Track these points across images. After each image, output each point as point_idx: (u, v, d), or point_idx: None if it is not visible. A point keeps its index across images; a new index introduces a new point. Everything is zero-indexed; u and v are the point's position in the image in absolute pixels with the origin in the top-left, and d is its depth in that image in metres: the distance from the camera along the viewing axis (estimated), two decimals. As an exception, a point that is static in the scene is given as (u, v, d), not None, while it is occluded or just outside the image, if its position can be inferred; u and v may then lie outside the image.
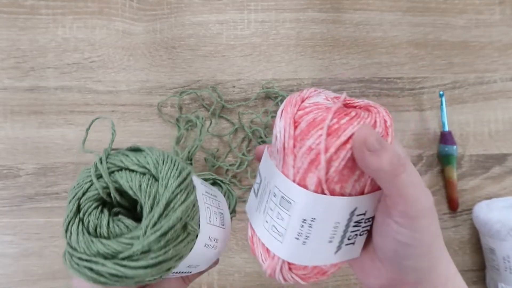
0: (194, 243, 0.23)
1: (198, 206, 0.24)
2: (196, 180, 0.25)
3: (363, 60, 0.52)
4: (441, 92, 0.50)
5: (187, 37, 0.51)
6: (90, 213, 0.22)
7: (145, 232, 0.20)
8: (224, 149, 0.51)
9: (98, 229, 0.22)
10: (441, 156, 0.51)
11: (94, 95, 0.50)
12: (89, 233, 0.22)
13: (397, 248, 0.22)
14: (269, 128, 0.51)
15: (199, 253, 0.24)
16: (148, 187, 0.22)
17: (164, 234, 0.20)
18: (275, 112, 0.51)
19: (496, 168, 0.52)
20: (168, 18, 0.51)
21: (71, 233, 0.21)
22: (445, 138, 0.50)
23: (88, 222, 0.22)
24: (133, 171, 0.23)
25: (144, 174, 0.23)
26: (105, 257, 0.20)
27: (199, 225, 0.24)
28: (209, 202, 0.26)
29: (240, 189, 0.50)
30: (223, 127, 0.51)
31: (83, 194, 0.23)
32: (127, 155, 0.23)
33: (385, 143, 0.20)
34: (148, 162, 0.23)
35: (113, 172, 0.23)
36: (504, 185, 0.52)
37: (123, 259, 0.20)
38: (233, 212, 0.31)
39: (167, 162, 0.23)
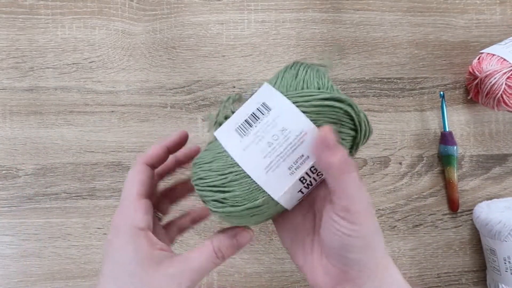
0: None
1: None
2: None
3: (363, 60, 0.51)
4: (442, 93, 0.50)
5: (187, 37, 0.51)
6: None
7: None
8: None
9: None
10: (441, 157, 0.51)
11: (94, 96, 0.50)
12: None
13: (341, 241, 0.24)
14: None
15: None
16: None
17: None
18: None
19: (497, 169, 0.52)
20: (168, 18, 0.51)
21: None
22: (445, 138, 0.50)
23: None
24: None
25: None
26: None
27: None
28: None
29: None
30: (223, 128, 0.51)
31: None
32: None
33: (340, 146, 0.24)
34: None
35: None
36: (505, 186, 0.51)
37: None
38: None
39: None
